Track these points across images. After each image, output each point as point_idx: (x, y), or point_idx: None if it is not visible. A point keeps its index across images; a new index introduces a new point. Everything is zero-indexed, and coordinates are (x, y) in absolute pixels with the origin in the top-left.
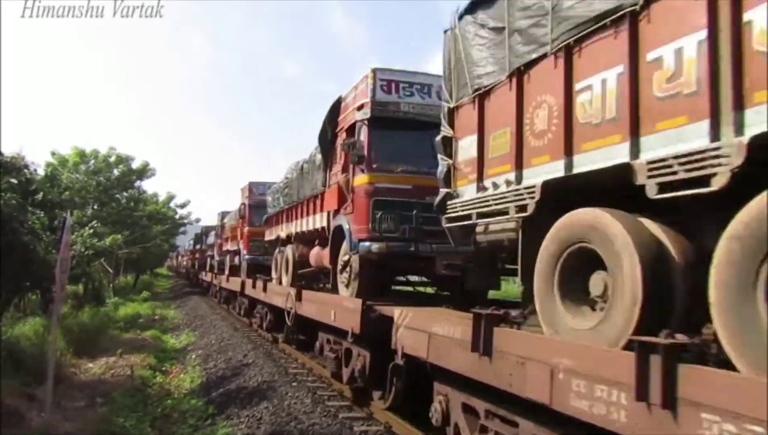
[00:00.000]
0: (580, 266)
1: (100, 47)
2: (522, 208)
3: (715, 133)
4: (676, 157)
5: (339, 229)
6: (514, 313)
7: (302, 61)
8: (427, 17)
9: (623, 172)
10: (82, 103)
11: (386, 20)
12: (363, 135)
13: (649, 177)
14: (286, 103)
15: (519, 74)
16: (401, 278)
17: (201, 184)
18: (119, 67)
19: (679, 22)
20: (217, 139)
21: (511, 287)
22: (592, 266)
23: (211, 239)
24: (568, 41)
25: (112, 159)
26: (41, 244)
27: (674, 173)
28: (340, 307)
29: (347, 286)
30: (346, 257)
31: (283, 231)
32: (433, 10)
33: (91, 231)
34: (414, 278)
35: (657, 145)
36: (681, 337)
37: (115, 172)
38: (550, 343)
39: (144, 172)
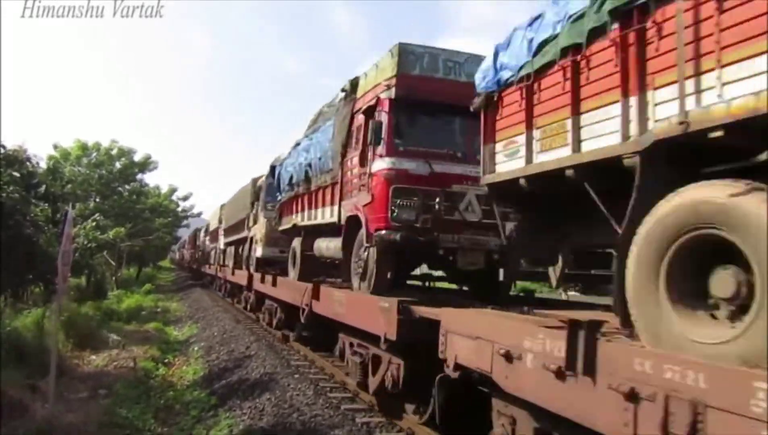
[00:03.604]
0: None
1: (101, 46)
2: None
3: None
4: None
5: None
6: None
7: (303, 57)
8: (427, 13)
9: None
10: (83, 104)
11: (387, 17)
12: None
13: None
14: (286, 99)
15: None
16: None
17: (202, 181)
18: (119, 66)
19: None
20: (216, 137)
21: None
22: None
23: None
24: None
25: (114, 152)
26: (44, 237)
27: None
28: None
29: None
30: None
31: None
32: (433, 6)
33: (94, 224)
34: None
35: None
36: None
37: (117, 165)
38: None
39: (146, 165)
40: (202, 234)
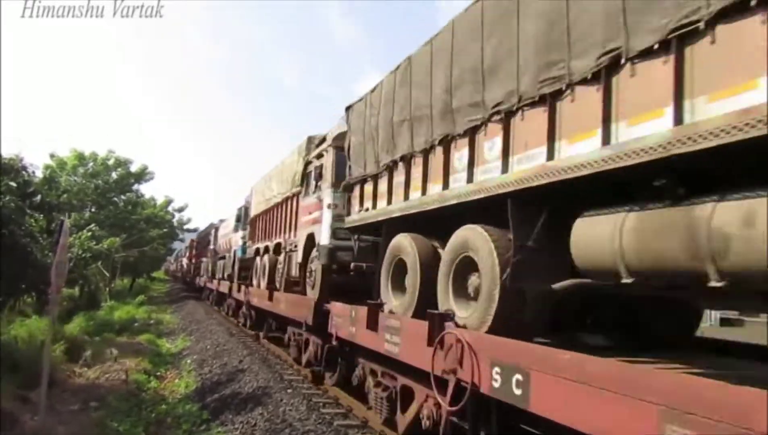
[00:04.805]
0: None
1: (98, 54)
2: None
3: None
4: None
5: None
6: None
7: (299, 65)
8: (422, 15)
9: None
10: (79, 113)
11: (383, 22)
12: None
13: None
14: (283, 109)
15: None
16: None
17: (197, 197)
18: (117, 73)
19: None
20: (213, 149)
21: None
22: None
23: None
24: None
25: (111, 162)
26: (38, 247)
27: None
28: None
29: None
30: None
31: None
32: (426, 7)
33: (89, 234)
34: None
35: None
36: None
37: (114, 175)
38: None
39: (142, 175)
40: (228, 227)
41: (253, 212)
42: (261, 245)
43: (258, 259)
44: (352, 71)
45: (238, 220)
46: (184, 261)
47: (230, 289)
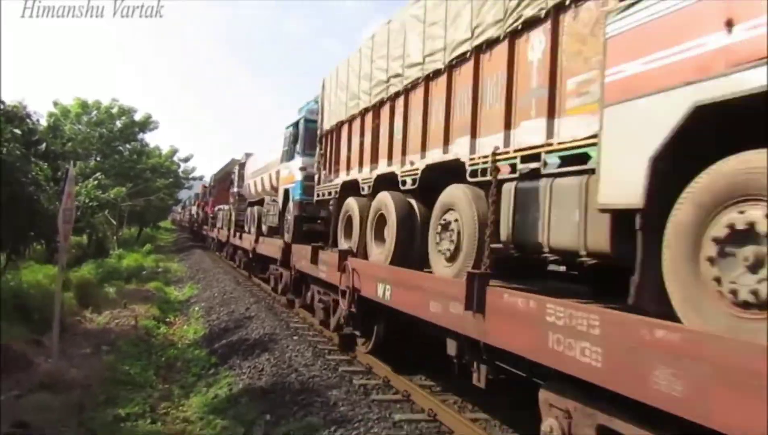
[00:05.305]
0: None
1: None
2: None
3: None
4: None
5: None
6: None
7: (304, 17)
8: None
9: None
10: (79, 62)
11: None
12: None
13: None
14: (286, 64)
15: None
16: None
17: (202, 149)
18: (115, 25)
19: None
20: (218, 102)
21: None
22: None
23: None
24: None
25: (115, 110)
26: (45, 196)
27: None
28: None
29: None
30: None
31: None
32: None
33: (95, 183)
34: None
35: None
36: None
37: (118, 123)
38: None
39: (146, 124)
40: (266, 159)
41: (328, 122)
42: (360, 176)
43: (354, 203)
44: (359, 23)
45: (294, 141)
46: (193, 210)
47: (284, 254)
